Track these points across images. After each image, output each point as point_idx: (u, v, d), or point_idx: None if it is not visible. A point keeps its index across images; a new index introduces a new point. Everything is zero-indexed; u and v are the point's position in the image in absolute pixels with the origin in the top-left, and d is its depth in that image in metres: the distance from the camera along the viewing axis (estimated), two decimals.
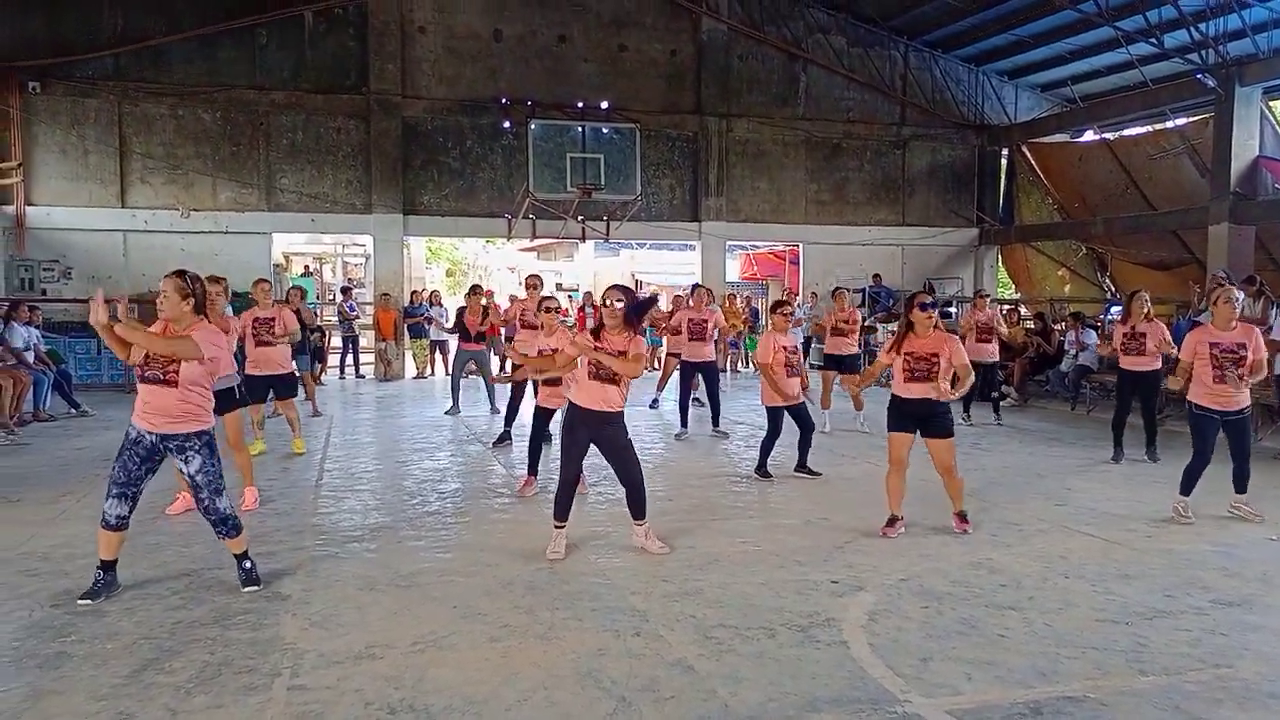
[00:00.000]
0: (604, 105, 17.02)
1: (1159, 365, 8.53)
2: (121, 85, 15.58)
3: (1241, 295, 6.76)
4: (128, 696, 3.62)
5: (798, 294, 19.01)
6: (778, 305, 8.16)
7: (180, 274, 4.75)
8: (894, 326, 16.28)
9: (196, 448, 4.68)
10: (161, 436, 4.63)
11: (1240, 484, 6.52)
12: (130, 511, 4.70)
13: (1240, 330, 6.36)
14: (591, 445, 5.55)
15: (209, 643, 4.15)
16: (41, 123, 15.38)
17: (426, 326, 17.04)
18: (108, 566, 4.72)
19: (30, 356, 11.06)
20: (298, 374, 9.22)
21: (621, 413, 5.53)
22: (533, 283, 10.11)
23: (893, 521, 6.09)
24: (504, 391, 10.08)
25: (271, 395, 8.81)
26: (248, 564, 4.90)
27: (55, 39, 15.20)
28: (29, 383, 10.59)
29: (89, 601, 4.59)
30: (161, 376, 4.58)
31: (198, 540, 5.71)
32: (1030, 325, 14.48)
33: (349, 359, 17.30)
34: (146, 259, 15.53)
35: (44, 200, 15.42)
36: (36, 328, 11.69)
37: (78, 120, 15.52)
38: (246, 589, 4.81)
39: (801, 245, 19.41)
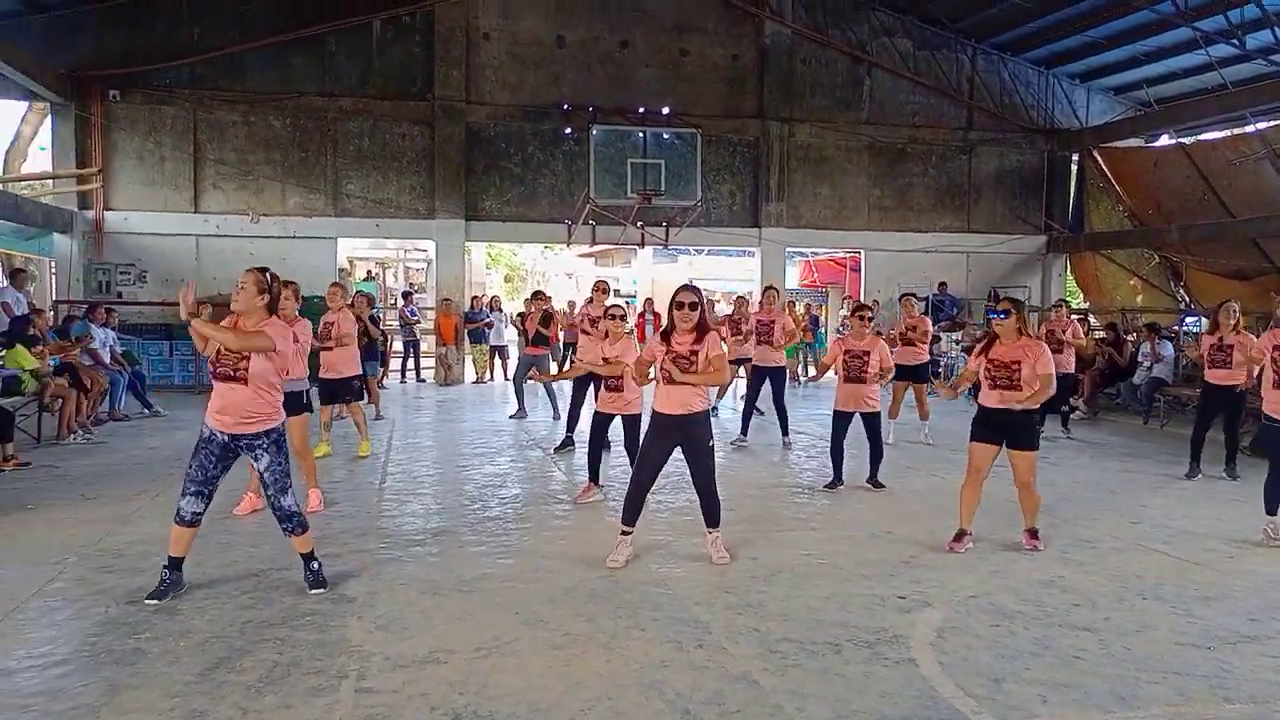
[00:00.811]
0: (665, 110, 17.03)
1: (1244, 380, 8.20)
2: (197, 93, 16.03)
3: None
4: (200, 694, 3.69)
5: (857, 300, 18.74)
6: (859, 309, 8.03)
7: (262, 270, 4.88)
8: (958, 335, 16.04)
9: (265, 445, 4.79)
10: (232, 436, 4.74)
11: None
12: (205, 509, 4.81)
13: None
14: (675, 450, 5.52)
15: (278, 643, 4.22)
16: (121, 130, 15.89)
17: (487, 332, 17.21)
18: (175, 565, 4.82)
19: (107, 357, 11.41)
20: (363, 378, 9.31)
21: (705, 413, 5.49)
22: (601, 288, 10.08)
23: (960, 536, 5.95)
24: (566, 399, 10.10)
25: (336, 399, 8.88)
26: (315, 565, 4.98)
27: (135, 49, 15.69)
28: (106, 383, 10.91)
29: (155, 601, 4.69)
30: (233, 373, 4.68)
31: (266, 541, 5.82)
32: (1101, 336, 14.09)
33: (410, 363, 17.53)
34: (218, 263, 15.95)
35: (122, 205, 15.92)
36: (113, 329, 12.06)
37: (155, 127, 16.00)
38: (314, 591, 4.88)
39: (863, 252, 19.17)
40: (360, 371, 9.01)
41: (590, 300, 9.68)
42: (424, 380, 17.29)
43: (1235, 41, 13.67)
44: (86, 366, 10.65)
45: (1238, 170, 16.04)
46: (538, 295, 12.21)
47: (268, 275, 4.86)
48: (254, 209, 16.29)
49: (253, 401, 4.73)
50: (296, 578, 5.02)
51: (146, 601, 4.69)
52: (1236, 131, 16.61)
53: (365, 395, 11.84)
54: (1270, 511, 6.23)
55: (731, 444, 9.87)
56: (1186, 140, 17.48)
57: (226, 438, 4.75)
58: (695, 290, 5.53)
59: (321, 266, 16.20)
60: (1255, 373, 7.38)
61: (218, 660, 4.02)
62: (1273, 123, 15.61)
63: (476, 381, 17.13)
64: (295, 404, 6.75)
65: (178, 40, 15.88)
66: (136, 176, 15.99)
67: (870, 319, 7.91)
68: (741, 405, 10.88)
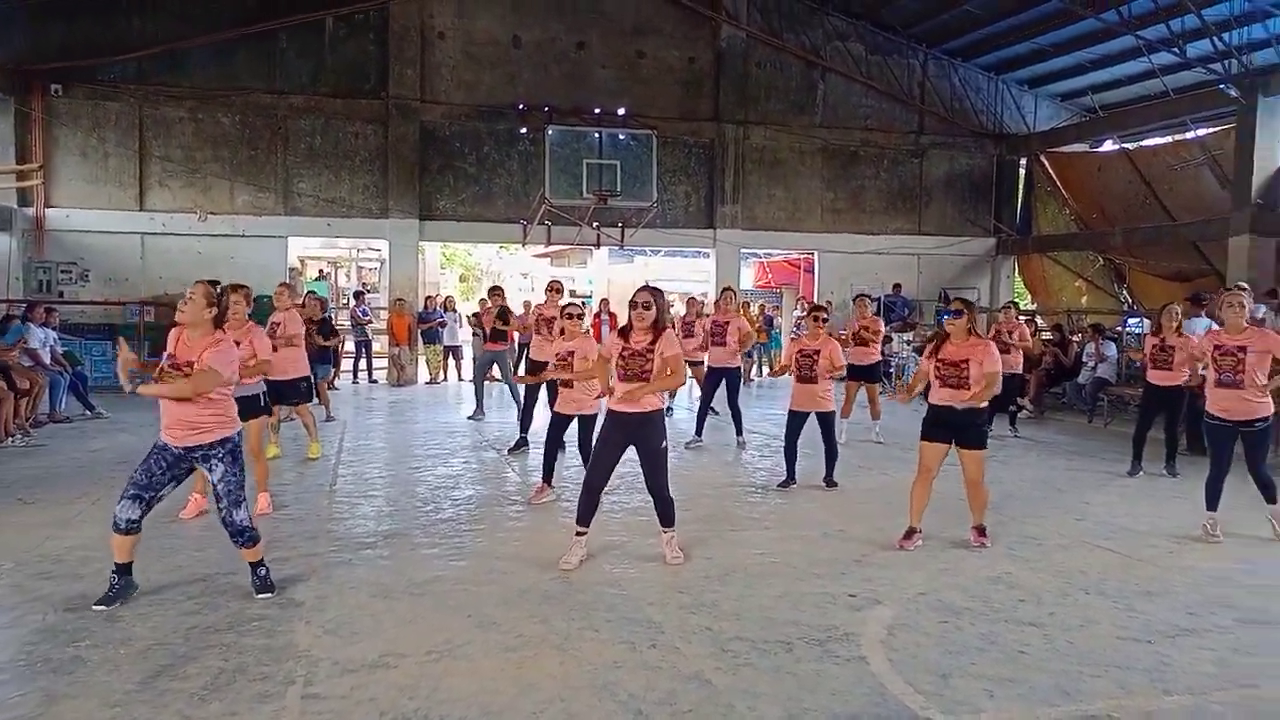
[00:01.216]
0: (621, 112, 17.04)
1: (1185, 380, 8.41)
2: (142, 89, 15.69)
3: (1249, 300, 6.63)
4: (141, 703, 3.61)
5: (811, 302, 18.93)
6: (814, 309, 8.10)
7: (211, 282, 4.80)
8: (909, 336, 16.25)
9: (220, 455, 4.70)
10: (186, 449, 4.66)
11: (1267, 496, 6.37)
12: (142, 516, 4.68)
13: (1246, 333, 6.23)
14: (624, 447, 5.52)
15: (223, 649, 4.14)
16: (62, 125, 15.49)
17: (441, 332, 17.07)
18: (122, 570, 4.71)
19: (46, 358, 11.11)
20: (310, 379, 9.17)
21: (660, 413, 5.50)
22: (555, 287, 10.06)
23: (910, 534, 6.03)
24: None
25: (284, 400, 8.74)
26: (262, 570, 4.89)
27: (78, 42, 15.32)
28: (45, 384, 10.63)
29: (104, 607, 4.58)
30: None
31: (212, 545, 5.70)
32: (1047, 337, 14.36)
33: (362, 364, 17.33)
34: (163, 262, 15.63)
35: (63, 202, 15.53)
36: (53, 329, 11.75)
37: (98, 123, 15.63)
38: (260, 595, 4.80)
39: (817, 253, 19.36)
40: (308, 373, 8.86)
41: (540, 302, 9.64)
42: (376, 381, 17.09)
43: (1176, 50, 14.02)
44: (25, 368, 10.36)
45: (1179, 175, 16.48)
46: (495, 291, 12.14)
47: (217, 287, 4.77)
48: (201, 207, 15.98)
49: (200, 413, 4.64)
50: (243, 582, 4.93)
51: (94, 607, 4.57)
52: (1178, 138, 17.08)
53: (315, 397, 11.71)
54: (1210, 507, 6.39)
55: (686, 445, 9.90)
56: (1130, 146, 17.90)
57: (180, 450, 4.65)
58: (652, 291, 5.52)
59: (272, 266, 15.94)
60: (1199, 369, 7.57)
61: (160, 668, 3.93)
62: (1212, 130, 16.05)
63: (430, 382, 16.97)
64: (252, 407, 6.65)
65: (122, 34, 15.52)
66: (79, 173, 15.60)
67: (825, 320, 7.98)
68: (696, 405, 10.92)
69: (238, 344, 6.38)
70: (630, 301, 5.49)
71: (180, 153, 15.97)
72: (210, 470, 4.70)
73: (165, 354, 4.73)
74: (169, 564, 5.35)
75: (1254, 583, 5.37)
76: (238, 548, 4.83)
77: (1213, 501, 6.38)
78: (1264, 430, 6.27)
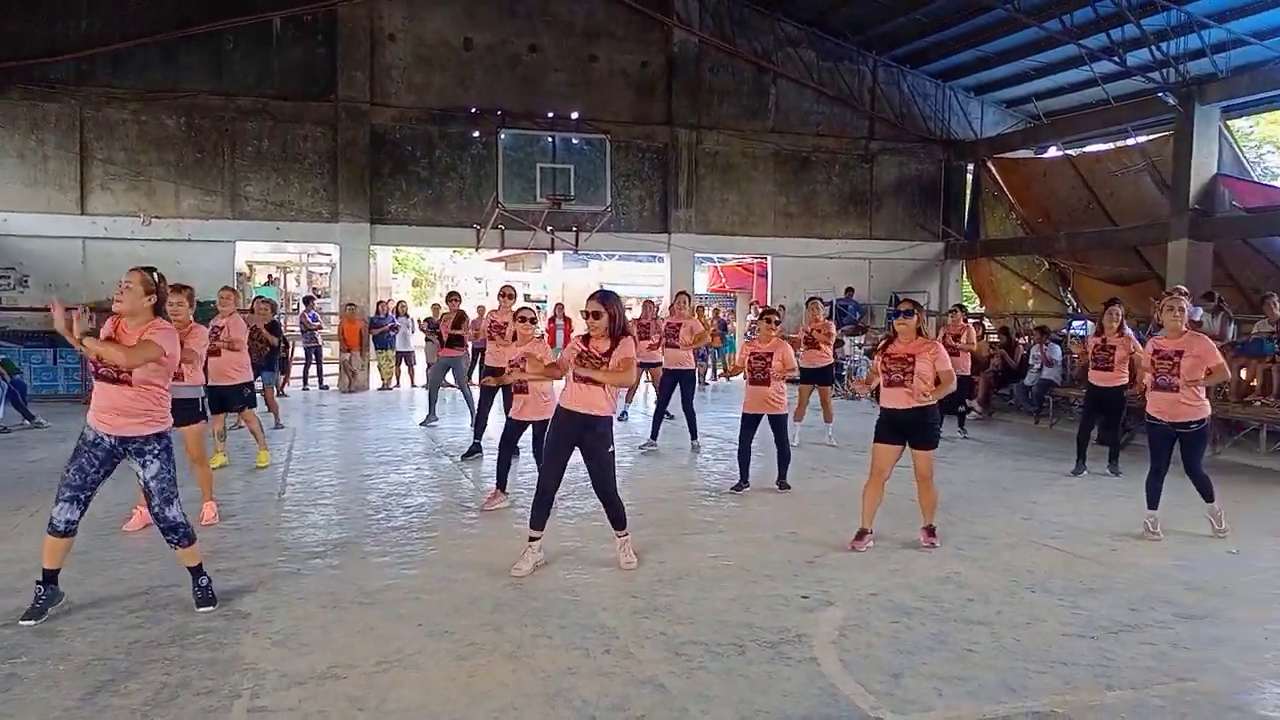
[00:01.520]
0: (574, 116, 17.02)
1: (1125, 380, 8.60)
2: (83, 90, 15.31)
3: (1187, 305, 6.81)
4: None
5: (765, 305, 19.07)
6: (767, 313, 8.15)
7: (148, 269, 4.66)
8: (860, 340, 16.45)
9: (155, 452, 4.56)
10: (120, 439, 4.51)
11: (1204, 495, 6.55)
12: (80, 517, 4.55)
13: (1184, 338, 6.41)
14: (575, 453, 5.50)
15: (166, 663, 4.05)
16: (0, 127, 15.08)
17: (393, 337, 16.90)
18: (49, 578, 4.57)
19: None
20: (254, 385, 9.04)
21: (609, 418, 5.49)
22: (507, 292, 10.03)
23: (861, 535, 6.10)
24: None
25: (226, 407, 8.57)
26: (204, 580, 4.77)
27: (14, 42, 14.90)
28: None
29: (33, 622, 4.44)
30: (116, 375, 4.46)
31: (156, 557, 5.57)
32: (995, 339, 14.62)
33: (312, 370, 17.09)
34: (106, 267, 15.23)
35: (1, 206, 15.08)
36: None
37: (37, 125, 15.22)
38: (202, 609, 4.68)
39: (770, 258, 19.50)
40: (250, 378, 8.71)
41: (494, 308, 9.59)
42: (327, 387, 16.86)
43: (1116, 59, 14.37)
44: None
45: (1120, 181, 16.89)
46: (452, 297, 12.04)
47: (154, 274, 4.65)
48: (145, 211, 15.63)
49: (138, 401, 4.50)
50: (187, 595, 4.81)
51: (22, 623, 4.44)
52: (1119, 144, 17.51)
53: (264, 403, 11.53)
54: (1150, 506, 6.55)
55: (641, 448, 9.91)
56: (1073, 152, 18.33)
57: (114, 440, 4.50)
58: (603, 298, 5.52)
59: (218, 270, 15.62)
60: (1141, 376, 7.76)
61: (100, 683, 3.83)
62: (1152, 136, 16.48)
63: (382, 388, 16.79)
64: (190, 412, 6.50)
65: (61, 34, 15.13)
66: (17, 176, 15.17)
67: (777, 323, 8.04)
68: (652, 409, 10.94)
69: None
70: (583, 311, 5.51)
71: (123, 155, 15.62)
72: (144, 466, 4.55)
73: (102, 337, 4.54)
74: (110, 577, 5.22)
75: (1192, 579, 5.51)
76: (171, 546, 4.70)
77: (1153, 500, 6.54)
78: (1199, 432, 6.44)
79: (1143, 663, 4.22)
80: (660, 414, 10.34)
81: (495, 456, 7.40)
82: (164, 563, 5.40)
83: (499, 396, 8.99)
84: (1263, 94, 14.20)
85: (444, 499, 7.62)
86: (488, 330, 9.98)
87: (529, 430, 7.12)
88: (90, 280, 15.20)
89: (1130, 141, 16.98)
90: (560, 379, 5.82)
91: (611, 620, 4.68)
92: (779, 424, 7.88)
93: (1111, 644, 4.43)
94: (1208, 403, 6.45)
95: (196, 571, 4.77)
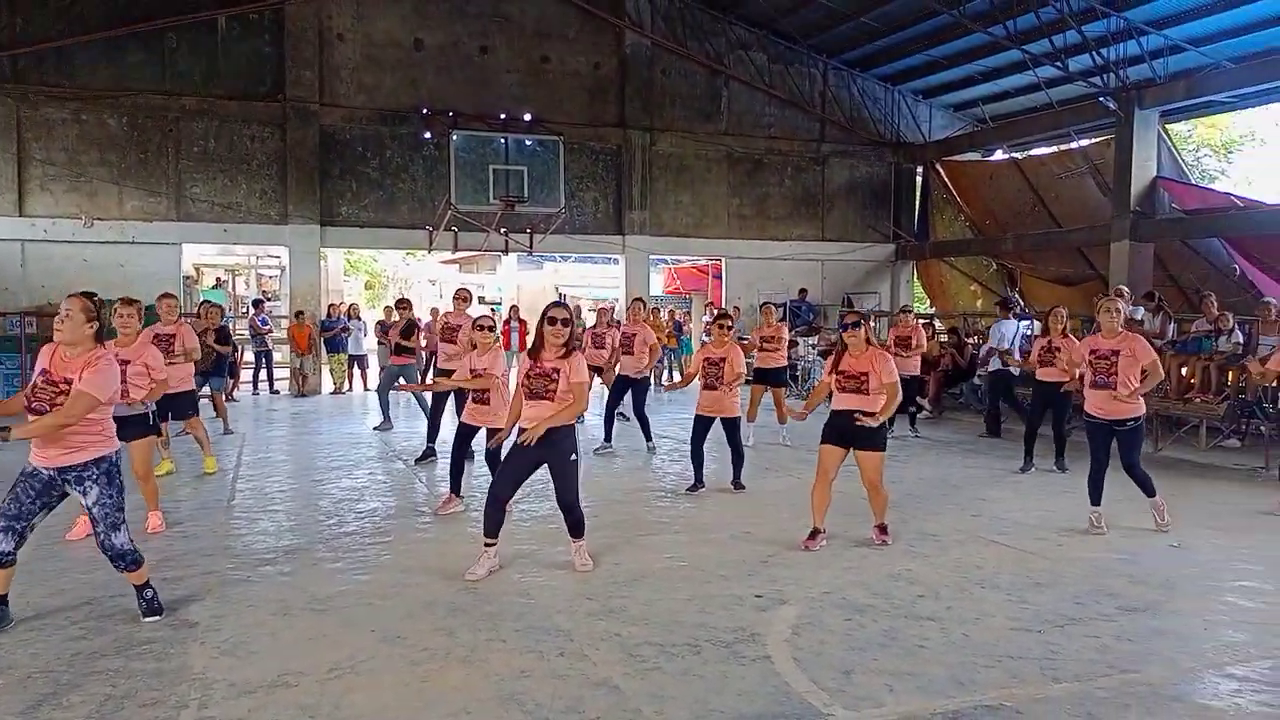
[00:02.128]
0: (527, 117, 16.96)
1: (1071, 381, 8.77)
2: (20, 88, 14.90)
3: (1124, 305, 6.98)
4: None
5: (719, 307, 19.19)
6: (720, 317, 8.19)
7: (87, 295, 4.48)
8: (814, 340, 16.58)
9: (94, 477, 4.39)
10: (59, 470, 4.35)
11: (1145, 491, 6.71)
12: (17, 548, 4.41)
13: (1120, 338, 6.56)
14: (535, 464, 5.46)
15: (111, 675, 3.96)
16: None
17: (345, 340, 16.69)
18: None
19: None
20: (198, 392, 8.88)
21: (571, 427, 5.47)
22: (462, 295, 9.94)
23: (814, 534, 6.15)
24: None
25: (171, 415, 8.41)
26: (149, 593, 4.66)
27: None
28: None
29: None
30: (48, 409, 4.27)
31: (100, 567, 5.41)
32: (945, 339, 14.85)
33: (262, 374, 16.81)
34: (46, 270, 14.86)
35: None
36: None
37: None
38: (148, 619, 4.59)
39: (724, 259, 19.61)
40: (194, 386, 8.55)
41: (446, 310, 9.49)
42: (278, 392, 16.60)
43: (1059, 64, 14.69)
44: None
45: (1063, 184, 17.28)
46: (402, 304, 11.93)
47: (94, 300, 4.47)
48: (87, 213, 15.26)
49: (75, 434, 4.32)
50: (132, 605, 4.71)
51: None
52: (1062, 148, 17.89)
53: (214, 409, 11.32)
54: (1094, 502, 6.70)
55: (595, 451, 9.89)
56: (1019, 155, 18.71)
57: (51, 473, 4.35)
58: (567, 308, 5.55)
59: (164, 273, 15.30)
60: (1078, 375, 7.93)
61: (42, 697, 3.73)
62: (1094, 140, 16.87)
63: (335, 392, 16.58)
64: (140, 426, 6.37)
65: None
66: None
67: (730, 327, 8.10)
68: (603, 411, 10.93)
69: (127, 363, 6.14)
70: (548, 317, 5.43)
71: (63, 155, 15.23)
72: (84, 494, 4.39)
73: (38, 369, 4.38)
74: (52, 587, 5.09)
75: (1135, 572, 5.65)
76: (120, 572, 4.59)
77: (1095, 496, 6.69)
78: (1135, 429, 6.60)
79: (1087, 655, 4.31)
80: (611, 417, 10.34)
81: (449, 460, 7.35)
82: (108, 572, 5.25)
83: (452, 400, 8.93)
84: (1199, 98, 14.62)
85: (397, 504, 7.55)
86: (439, 332, 9.90)
87: (482, 433, 7.08)
88: (30, 284, 14.81)
89: (1073, 145, 17.36)
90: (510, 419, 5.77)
91: (566, 623, 4.68)
92: (732, 426, 7.93)
93: (1057, 637, 4.53)
94: (1142, 401, 6.60)
95: (142, 586, 4.66)
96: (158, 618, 4.61)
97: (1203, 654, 4.39)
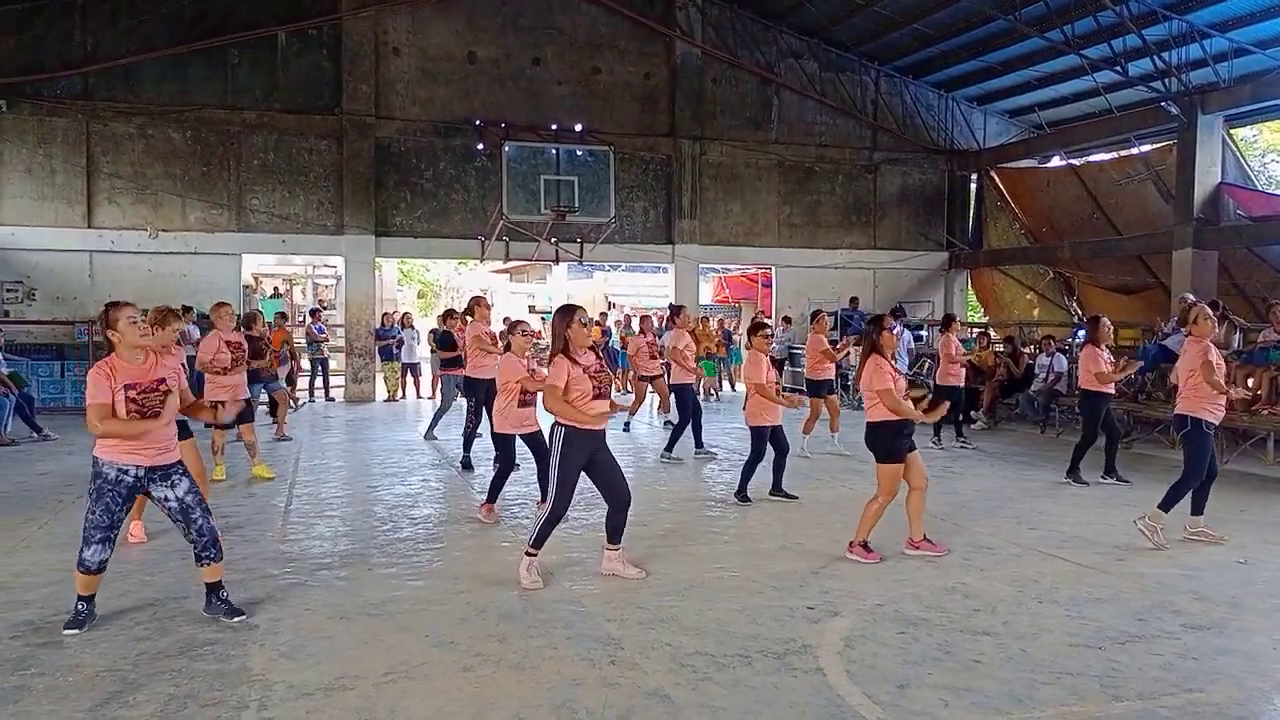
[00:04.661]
0: (578, 128, 17.08)
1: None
2: (90, 105, 15.42)
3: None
4: None
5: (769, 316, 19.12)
6: (759, 327, 8.16)
7: (129, 304, 4.67)
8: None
9: (182, 470, 4.69)
10: (149, 469, 4.56)
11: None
12: (111, 554, 4.63)
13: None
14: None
15: (174, 675, 4.06)
16: (8, 142, 15.17)
17: (397, 350, 16.94)
18: (88, 599, 4.67)
19: None
20: (252, 399, 9.15)
21: (550, 427, 5.54)
22: (482, 302, 9.87)
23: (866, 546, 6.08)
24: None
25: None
26: (224, 593, 4.80)
27: (23, 58, 15.03)
28: None
29: (75, 631, 4.52)
30: (157, 411, 4.56)
31: (160, 570, 5.61)
32: (1000, 349, 14.61)
33: (318, 382, 17.12)
34: (113, 280, 15.31)
35: (8, 220, 15.18)
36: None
37: (44, 140, 15.33)
38: (234, 619, 4.70)
39: (774, 268, 19.53)
40: (248, 394, 8.79)
41: (471, 314, 9.53)
42: (333, 399, 16.89)
43: (1119, 69, 14.40)
44: None
45: (1123, 190, 16.90)
46: (449, 315, 12.04)
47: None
48: (152, 224, 15.72)
49: (168, 432, 4.63)
50: (194, 607, 4.84)
51: (65, 632, 4.51)
52: (1122, 153, 17.50)
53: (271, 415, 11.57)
54: (1195, 512, 6.60)
55: (695, 455, 10.14)
56: (1076, 161, 18.33)
57: (141, 473, 4.54)
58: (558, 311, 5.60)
59: (224, 283, 15.72)
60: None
61: (109, 695, 3.84)
62: (1155, 145, 16.48)
63: (389, 399, 16.82)
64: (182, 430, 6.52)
65: (69, 50, 15.25)
66: (25, 190, 15.27)
67: (770, 335, 8.12)
68: (661, 421, 11.01)
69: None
70: (579, 319, 5.42)
71: (130, 169, 15.71)
72: (174, 486, 4.61)
73: (124, 386, 4.46)
74: (117, 589, 5.22)
75: (1199, 589, 5.50)
76: (206, 563, 4.70)
77: (1198, 506, 6.58)
78: (1184, 434, 6.57)
79: (1150, 674, 4.21)
80: (697, 425, 10.31)
81: (491, 470, 7.35)
82: (170, 575, 5.44)
83: (483, 413, 9.05)
84: (1265, 102, 14.20)
85: (449, 510, 7.63)
86: (478, 343, 9.87)
87: (519, 441, 7.08)
88: (97, 293, 15.24)
89: (1133, 151, 16.98)
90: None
91: (617, 631, 4.69)
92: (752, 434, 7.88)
93: (1119, 654, 4.42)
94: (1204, 407, 6.46)
95: (217, 586, 4.80)
96: (241, 618, 4.72)
97: (1271, 674, 4.25)
